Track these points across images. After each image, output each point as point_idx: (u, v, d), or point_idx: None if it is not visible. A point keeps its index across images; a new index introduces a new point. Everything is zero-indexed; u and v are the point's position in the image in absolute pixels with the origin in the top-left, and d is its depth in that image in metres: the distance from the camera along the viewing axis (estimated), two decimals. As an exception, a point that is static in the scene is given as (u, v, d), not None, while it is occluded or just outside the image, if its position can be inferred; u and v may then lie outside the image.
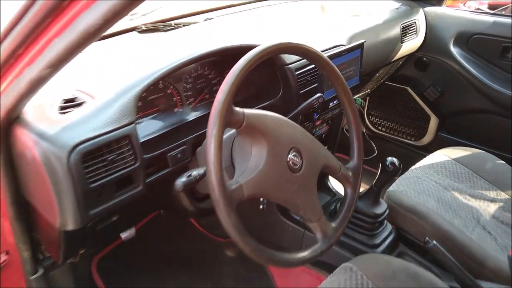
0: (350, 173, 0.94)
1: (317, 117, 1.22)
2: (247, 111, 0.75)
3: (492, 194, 1.30)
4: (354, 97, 1.33)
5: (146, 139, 0.90)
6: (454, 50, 1.76)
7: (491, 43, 1.65)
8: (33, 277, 1.02)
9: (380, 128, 2.18)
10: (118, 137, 0.79)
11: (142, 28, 1.17)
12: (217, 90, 1.17)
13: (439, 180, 1.31)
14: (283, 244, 1.35)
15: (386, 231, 1.21)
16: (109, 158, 0.78)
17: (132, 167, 0.82)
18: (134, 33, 1.19)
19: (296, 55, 0.89)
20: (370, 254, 1.11)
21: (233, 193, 0.71)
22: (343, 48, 1.21)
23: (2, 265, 0.99)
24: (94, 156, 0.77)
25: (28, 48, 0.58)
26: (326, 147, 1.57)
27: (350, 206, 0.94)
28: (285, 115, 1.10)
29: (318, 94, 1.11)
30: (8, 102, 0.68)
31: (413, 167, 1.39)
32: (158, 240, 1.62)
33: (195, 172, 0.80)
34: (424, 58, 1.86)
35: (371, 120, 2.19)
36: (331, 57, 1.14)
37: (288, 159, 0.80)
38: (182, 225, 1.68)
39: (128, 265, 1.51)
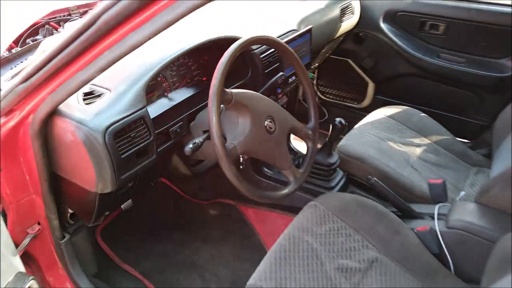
0: (310, 132, 1.18)
1: (280, 91, 1.43)
2: (234, 91, 0.98)
3: (417, 140, 1.52)
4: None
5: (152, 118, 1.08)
6: (383, 26, 1.93)
7: (411, 18, 1.84)
8: (63, 241, 1.22)
9: (328, 96, 2.32)
10: (135, 119, 0.98)
11: None
12: (196, 76, 1.37)
13: (377, 134, 1.50)
14: None
15: (339, 176, 1.43)
16: (131, 135, 0.98)
17: (148, 140, 1.02)
18: None
19: (267, 45, 1.09)
20: (328, 193, 1.32)
21: (230, 151, 0.94)
22: (296, 34, 1.42)
23: (37, 233, 1.18)
24: (120, 135, 0.96)
25: (80, 57, 0.77)
26: None
27: (312, 155, 1.18)
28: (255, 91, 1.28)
29: (281, 73, 1.32)
30: (58, 98, 0.85)
31: (356, 125, 1.58)
32: (151, 209, 1.77)
33: (197, 140, 1.02)
34: (360, 34, 2.00)
35: (321, 89, 2.34)
36: (287, 42, 1.36)
37: (265, 124, 1.03)
38: (170, 195, 1.84)
39: (127, 231, 1.67)
